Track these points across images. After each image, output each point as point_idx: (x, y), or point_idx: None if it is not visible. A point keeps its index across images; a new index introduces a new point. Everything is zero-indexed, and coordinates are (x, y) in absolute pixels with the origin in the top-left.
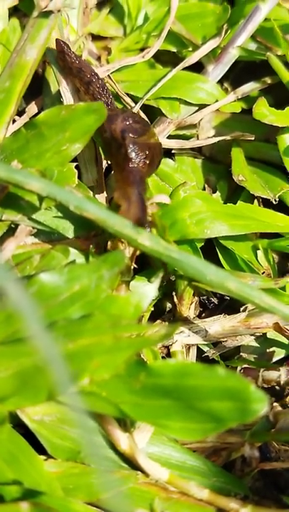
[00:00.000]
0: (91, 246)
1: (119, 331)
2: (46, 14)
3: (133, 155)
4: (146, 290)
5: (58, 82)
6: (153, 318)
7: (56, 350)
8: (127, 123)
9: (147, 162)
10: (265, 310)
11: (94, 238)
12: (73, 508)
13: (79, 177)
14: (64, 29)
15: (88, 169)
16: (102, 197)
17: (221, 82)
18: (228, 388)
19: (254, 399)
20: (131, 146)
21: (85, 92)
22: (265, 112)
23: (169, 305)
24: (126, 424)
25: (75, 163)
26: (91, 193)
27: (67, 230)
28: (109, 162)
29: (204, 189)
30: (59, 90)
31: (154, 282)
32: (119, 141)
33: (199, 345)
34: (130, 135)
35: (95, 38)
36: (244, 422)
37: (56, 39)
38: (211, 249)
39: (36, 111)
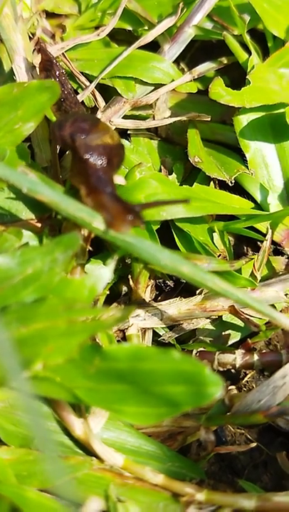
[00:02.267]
0: (45, 228)
1: (73, 315)
2: None
3: (87, 156)
4: (101, 273)
5: (11, 60)
6: (109, 301)
7: (5, 336)
8: (75, 125)
9: (104, 161)
10: (218, 294)
11: (48, 220)
12: (26, 496)
13: (32, 157)
14: (17, 5)
15: (42, 149)
16: (56, 178)
17: (177, 62)
18: (182, 372)
19: (209, 382)
20: (83, 146)
21: (57, 109)
22: (221, 92)
23: (124, 288)
24: (80, 409)
25: (28, 143)
26: (45, 173)
27: (21, 211)
28: None
29: (160, 171)
30: (12, 68)
31: (109, 265)
32: (71, 145)
33: (155, 329)
34: (79, 136)
35: (49, 15)
36: (199, 405)
37: (41, 46)
38: (167, 232)
39: None
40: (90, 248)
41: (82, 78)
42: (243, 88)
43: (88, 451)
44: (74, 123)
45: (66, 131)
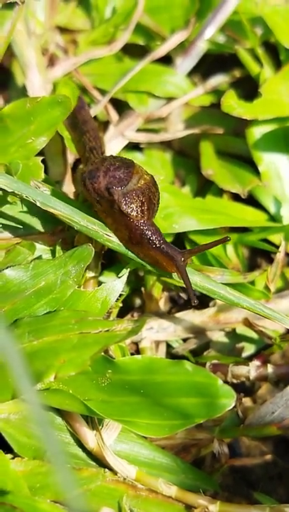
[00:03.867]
0: (58, 241)
1: (86, 327)
2: (10, 5)
3: (128, 209)
4: (114, 285)
5: (24, 75)
6: (122, 314)
7: (16, 349)
8: (109, 175)
9: (145, 208)
10: (232, 304)
11: (61, 233)
12: (39, 507)
13: (45, 171)
14: (30, 22)
15: (55, 163)
16: (69, 192)
17: (191, 76)
18: (195, 384)
19: (222, 394)
20: (122, 200)
21: (78, 141)
22: (233, 105)
23: (138, 301)
24: (93, 421)
25: (41, 157)
26: (58, 187)
27: (34, 224)
28: (77, 156)
29: (173, 183)
30: (25, 83)
31: (122, 277)
32: (108, 198)
33: (168, 341)
34: (117, 188)
35: (62, 30)
36: (212, 417)
37: (79, 97)
38: (180, 244)
39: (2, 104)
40: (103, 261)
41: (95, 93)
42: (255, 101)
43: (101, 463)
44: (107, 172)
45: (101, 184)
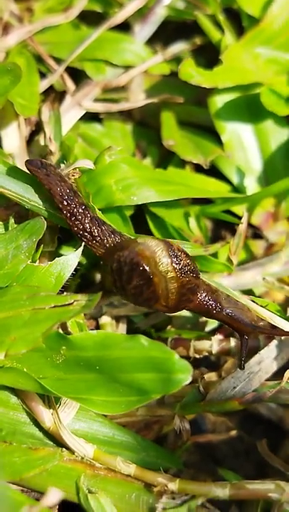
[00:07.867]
0: (11, 215)
1: (38, 303)
2: None
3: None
4: (68, 259)
5: None
6: (82, 290)
7: None
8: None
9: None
10: None
11: (15, 207)
12: None
13: None
14: None
15: (8, 135)
16: (23, 165)
17: (152, 44)
18: (151, 358)
19: (178, 369)
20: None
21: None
22: (191, 73)
23: (98, 276)
24: (50, 400)
25: None
26: (11, 160)
27: None
28: (33, 128)
29: (134, 155)
30: None
31: (77, 251)
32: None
33: (130, 317)
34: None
35: None
36: (168, 392)
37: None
38: (142, 218)
39: None
40: (60, 235)
41: (51, 62)
42: (215, 68)
43: (58, 442)
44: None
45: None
